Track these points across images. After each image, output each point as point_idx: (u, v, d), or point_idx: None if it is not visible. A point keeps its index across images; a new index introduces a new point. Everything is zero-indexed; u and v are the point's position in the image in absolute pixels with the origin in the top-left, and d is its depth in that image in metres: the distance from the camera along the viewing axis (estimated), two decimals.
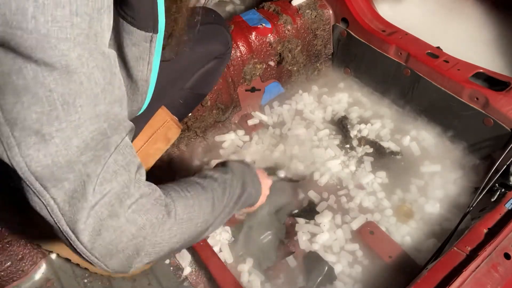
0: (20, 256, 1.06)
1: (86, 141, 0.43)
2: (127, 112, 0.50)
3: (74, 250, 0.47)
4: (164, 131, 1.00)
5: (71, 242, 0.46)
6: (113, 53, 0.46)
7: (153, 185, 0.54)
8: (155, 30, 0.55)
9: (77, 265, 0.99)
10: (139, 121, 0.90)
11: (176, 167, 1.28)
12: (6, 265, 1.04)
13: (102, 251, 0.47)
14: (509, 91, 1.07)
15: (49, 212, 0.44)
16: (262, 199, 0.89)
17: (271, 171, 1.22)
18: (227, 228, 1.13)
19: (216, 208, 0.67)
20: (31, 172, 0.42)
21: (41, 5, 0.37)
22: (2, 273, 1.04)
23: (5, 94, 0.39)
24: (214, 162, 1.29)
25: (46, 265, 1.11)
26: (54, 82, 0.39)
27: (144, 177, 0.52)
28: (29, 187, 0.43)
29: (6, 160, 0.41)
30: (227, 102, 1.36)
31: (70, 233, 0.45)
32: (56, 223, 0.45)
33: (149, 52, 0.57)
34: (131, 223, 0.48)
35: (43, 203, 0.44)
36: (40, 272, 1.10)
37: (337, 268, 1.04)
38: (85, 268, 1.00)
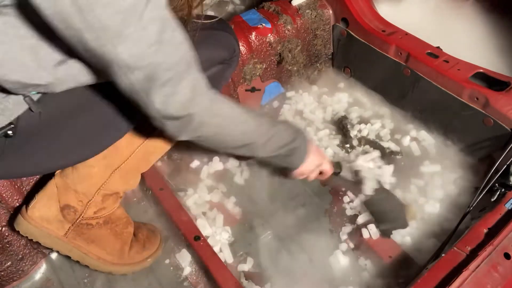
0: (20, 256, 1.06)
1: (150, 38, 0.58)
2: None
3: (149, 113, 0.67)
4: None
5: (146, 108, 0.66)
6: None
7: (205, 80, 0.70)
8: None
9: (77, 262, 0.99)
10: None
11: (176, 167, 1.28)
12: (6, 265, 1.04)
13: (167, 115, 0.67)
14: (509, 91, 1.07)
15: (131, 88, 0.62)
16: (309, 165, 0.97)
17: None
18: (227, 228, 1.14)
19: (261, 132, 0.82)
20: (118, 60, 0.57)
21: None
22: (2, 273, 1.04)
23: (95, 9, 0.52)
24: (215, 159, 1.29)
25: (46, 265, 1.11)
26: None
27: (198, 71, 0.69)
28: (117, 71, 0.59)
29: (101, 52, 0.56)
30: None
31: (147, 101, 0.64)
32: (135, 95, 0.63)
33: None
34: (186, 98, 0.66)
35: (126, 82, 0.61)
36: (40, 272, 1.10)
37: (339, 266, 1.04)
38: (86, 266, 1.00)
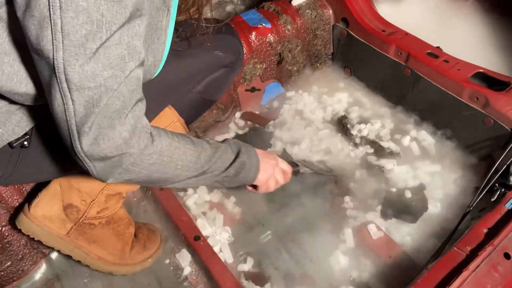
0: (20, 256, 1.06)
1: (110, 60, 0.54)
2: (143, 48, 0.60)
3: (72, 149, 0.59)
4: (170, 128, 1.01)
5: (72, 141, 0.58)
6: None
7: (146, 119, 0.65)
8: None
9: (78, 261, 0.99)
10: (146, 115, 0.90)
11: None
12: (6, 265, 1.04)
13: (95, 154, 0.59)
14: (509, 91, 1.07)
15: (64, 110, 0.55)
16: (264, 175, 0.89)
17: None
18: (227, 228, 1.14)
19: (201, 162, 0.75)
20: (65, 74, 0.52)
21: None
22: (2, 273, 1.04)
23: (68, 10, 0.49)
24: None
25: (46, 265, 1.11)
26: (107, 10, 0.51)
27: (143, 111, 0.63)
28: (58, 85, 0.53)
29: (50, 57, 0.52)
30: (227, 102, 1.36)
31: (75, 133, 0.57)
32: (67, 121, 0.56)
33: (168, 4, 0.66)
34: (123, 137, 0.60)
35: (63, 101, 0.54)
36: (40, 272, 1.10)
37: (339, 266, 1.04)
38: (86, 266, 1.01)
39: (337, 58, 1.51)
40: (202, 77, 1.00)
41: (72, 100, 0.54)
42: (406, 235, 1.08)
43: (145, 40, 0.68)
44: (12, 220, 1.02)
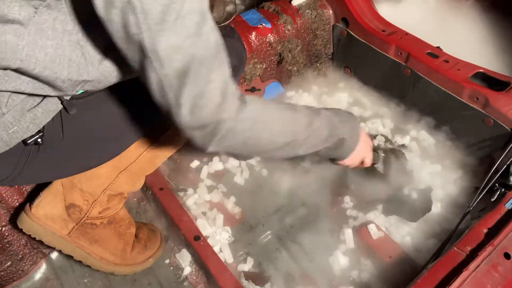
0: (20, 256, 1.06)
1: (188, 29, 0.56)
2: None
3: (176, 121, 0.62)
4: (174, 131, 1.00)
5: (174, 115, 0.62)
6: None
7: (235, 84, 0.66)
8: None
9: (80, 262, 0.99)
10: (149, 115, 0.91)
11: (176, 167, 1.28)
12: (6, 265, 1.04)
13: (194, 124, 0.62)
14: (509, 91, 1.07)
15: (163, 86, 0.59)
16: (355, 157, 0.90)
17: None
18: (227, 228, 1.14)
19: (300, 129, 0.74)
20: (156, 51, 0.55)
21: None
22: (2, 273, 1.04)
23: None
24: (215, 159, 1.29)
25: (46, 265, 1.11)
26: None
27: (228, 73, 0.64)
28: (151, 64, 0.57)
29: (139, 39, 0.55)
30: None
31: (173, 106, 0.60)
32: (165, 96, 0.60)
33: None
34: (215, 103, 0.62)
35: (159, 77, 0.58)
36: (40, 272, 1.10)
37: (339, 266, 1.04)
38: (87, 266, 1.01)
39: (337, 58, 1.51)
40: None
41: (166, 74, 0.58)
42: (406, 235, 1.08)
43: None
44: (12, 220, 1.02)
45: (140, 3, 0.52)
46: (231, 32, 1.07)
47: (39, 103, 0.69)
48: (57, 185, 0.94)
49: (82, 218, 0.95)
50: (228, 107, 0.64)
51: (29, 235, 0.94)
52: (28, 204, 0.94)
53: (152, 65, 0.57)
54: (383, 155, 1.11)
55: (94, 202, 0.95)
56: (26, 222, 0.92)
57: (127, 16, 0.53)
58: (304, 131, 0.75)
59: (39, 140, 0.71)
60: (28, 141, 0.70)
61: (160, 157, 1.00)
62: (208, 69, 0.60)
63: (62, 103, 0.71)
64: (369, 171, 1.11)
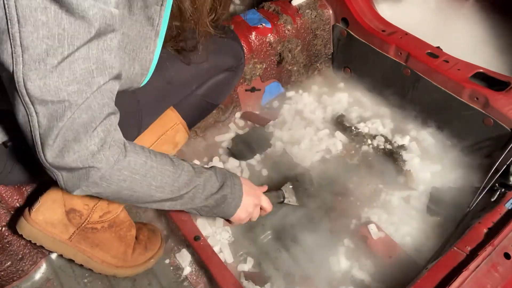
0: (20, 256, 1.06)
1: (75, 75, 0.52)
2: (119, 63, 0.58)
3: (39, 158, 0.58)
4: (172, 134, 1.01)
5: (37, 152, 0.57)
6: (119, 14, 0.55)
7: (120, 133, 0.63)
8: None
9: (81, 266, 0.99)
10: (147, 116, 0.90)
11: None
12: (6, 265, 1.04)
13: (60, 166, 0.58)
14: (509, 91, 1.07)
15: (28, 121, 0.54)
16: (242, 213, 0.87)
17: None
18: (227, 228, 1.14)
19: (179, 186, 0.72)
20: (25, 88, 0.51)
21: None
22: (2, 273, 1.04)
23: (27, 24, 0.48)
24: (215, 159, 1.29)
25: (46, 265, 1.11)
26: (68, 24, 0.49)
27: (115, 123, 0.61)
28: (20, 98, 0.52)
29: (10, 71, 0.50)
30: (227, 102, 1.36)
31: (39, 144, 0.56)
32: (31, 132, 0.55)
33: (159, 14, 0.65)
34: (90, 151, 0.58)
35: (26, 112, 0.54)
36: (40, 272, 1.10)
37: (339, 266, 1.04)
38: (89, 269, 1.01)
39: (337, 58, 1.51)
40: (203, 80, 1.00)
41: (36, 113, 0.54)
42: (406, 235, 1.08)
43: (132, 49, 0.67)
44: (12, 221, 1.02)
45: (21, 36, 0.48)
46: (229, 31, 1.07)
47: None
48: (56, 190, 0.93)
49: (83, 223, 0.94)
50: (103, 156, 0.60)
51: (29, 240, 0.94)
52: (27, 209, 0.93)
53: (21, 98, 0.53)
54: (291, 186, 1.10)
55: (94, 206, 0.94)
56: (25, 227, 0.91)
57: (2, 43, 0.49)
58: (184, 188, 0.73)
59: (8, 144, 0.70)
60: (8, 144, 0.70)
61: None
62: (90, 118, 0.57)
63: None
64: (286, 207, 1.13)
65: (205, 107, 1.08)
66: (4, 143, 0.71)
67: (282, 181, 1.22)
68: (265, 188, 1.02)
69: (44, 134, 0.55)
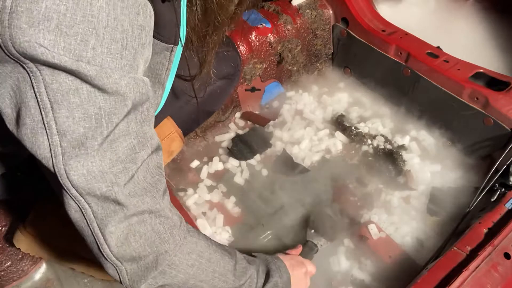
0: (20, 256, 1.06)
1: (118, 154, 0.49)
2: (153, 130, 0.54)
3: (100, 253, 0.52)
4: (168, 143, 1.00)
5: (99, 244, 0.51)
6: (147, 80, 0.52)
7: (177, 211, 0.60)
8: (176, 43, 0.62)
9: (82, 273, 0.99)
10: None
11: (176, 167, 1.28)
12: (6, 265, 1.04)
13: (126, 255, 0.52)
14: (509, 91, 1.07)
15: (83, 214, 0.50)
16: (298, 286, 0.84)
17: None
18: (227, 228, 1.14)
19: (238, 275, 0.68)
20: (69, 180, 0.47)
21: (100, 38, 0.44)
22: (2, 273, 1.04)
23: (60, 109, 0.44)
24: (215, 159, 1.29)
25: (46, 265, 1.11)
26: (103, 101, 0.46)
27: (168, 199, 0.58)
28: (67, 192, 0.48)
29: (50, 166, 0.47)
30: (227, 102, 1.36)
31: (100, 235, 0.51)
32: (88, 225, 0.50)
33: (169, 59, 0.63)
34: (156, 232, 0.54)
35: (78, 206, 0.49)
36: (40, 272, 1.10)
37: (339, 266, 1.04)
38: (91, 276, 1.01)
39: (337, 58, 1.51)
40: (200, 88, 0.99)
41: (88, 203, 0.49)
42: (406, 235, 1.08)
43: None
44: (12, 222, 1.02)
45: (56, 123, 0.45)
46: (228, 40, 1.07)
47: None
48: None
49: None
50: (171, 234, 0.55)
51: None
52: (21, 223, 0.92)
53: (68, 192, 0.48)
54: (312, 231, 1.05)
55: None
56: (23, 241, 0.91)
57: (37, 136, 0.45)
58: (242, 277, 0.69)
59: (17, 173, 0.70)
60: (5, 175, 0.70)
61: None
62: (143, 195, 0.52)
63: None
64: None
65: (201, 114, 1.07)
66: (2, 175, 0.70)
67: (283, 181, 1.22)
68: (300, 248, 0.98)
69: (102, 222, 0.50)
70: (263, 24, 1.31)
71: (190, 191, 1.22)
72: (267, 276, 0.76)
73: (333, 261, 1.05)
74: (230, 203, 1.19)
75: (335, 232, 1.06)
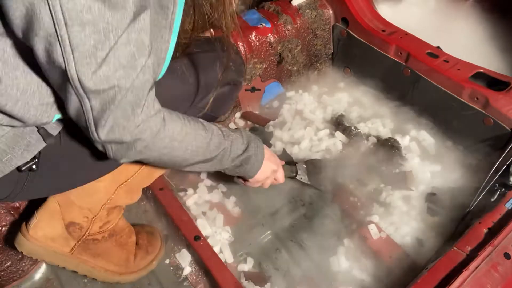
0: (20, 256, 1.06)
1: (120, 61, 0.56)
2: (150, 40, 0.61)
3: (91, 137, 0.63)
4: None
5: (90, 132, 0.62)
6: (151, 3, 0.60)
7: (159, 103, 0.68)
8: None
9: (84, 276, 1.00)
10: None
11: None
12: (6, 265, 1.04)
13: (111, 140, 0.64)
14: (509, 91, 1.07)
15: (82, 107, 0.59)
16: (261, 176, 0.93)
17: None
18: (227, 228, 1.14)
19: (211, 149, 0.79)
20: (80, 82, 0.55)
21: None
22: (2, 273, 1.04)
23: (74, 25, 0.51)
24: None
25: (46, 265, 1.11)
26: (111, 16, 0.52)
27: (153, 96, 0.66)
28: (74, 91, 0.56)
29: (63, 69, 0.54)
30: None
31: (92, 125, 0.61)
32: (84, 114, 0.60)
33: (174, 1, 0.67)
34: (137, 125, 0.63)
35: (80, 101, 0.58)
36: (40, 272, 1.10)
37: (339, 266, 1.04)
38: (93, 279, 1.01)
39: (337, 58, 1.51)
40: (205, 93, 0.99)
41: (89, 100, 0.58)
42: (406, 235, 1.08)
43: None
44: (13, 221, 1.02)
45: (69, 37, 0.51)
46: (233, 45, 1.07)
47: (32, 129, 0.68)
48: (53, 204, 0.91)
49: (84, 235, 0.94)
50: (147, 128, 0.65)
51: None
52: (24, 225, 0.92)
53: (74, 91, 0.57)
54: (305, 166, 1.14)
55: (94, 218, 0.94)
56: (25, 245, 0.91)
57: (51, 45, 0.52)
58: (215, 150, 0.80)
59: (33, 166, 0.71)
60: (23, 168, 0.70)
61: (158, 171, 1.00)
62: (136, 97, 0.61)
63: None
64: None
65: (205, 119, 1.07)
66: (18, 168, 0.70)
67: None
68: (282, 162, 1.06)
69: (97, 116, 0.60)
70: (263, 24, 1.31)
71: (190, 191, 1.22)
72: (245, 149, 0.86)
73: (333, 261, 1.05)
74: (230, 203, 1.19)
75: (317, 180, 1.15)
